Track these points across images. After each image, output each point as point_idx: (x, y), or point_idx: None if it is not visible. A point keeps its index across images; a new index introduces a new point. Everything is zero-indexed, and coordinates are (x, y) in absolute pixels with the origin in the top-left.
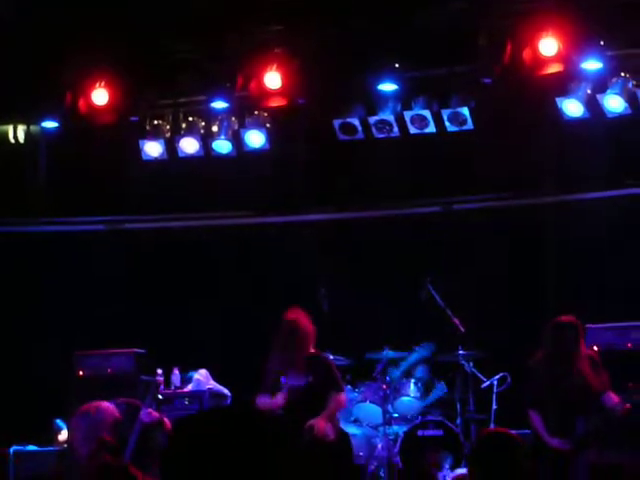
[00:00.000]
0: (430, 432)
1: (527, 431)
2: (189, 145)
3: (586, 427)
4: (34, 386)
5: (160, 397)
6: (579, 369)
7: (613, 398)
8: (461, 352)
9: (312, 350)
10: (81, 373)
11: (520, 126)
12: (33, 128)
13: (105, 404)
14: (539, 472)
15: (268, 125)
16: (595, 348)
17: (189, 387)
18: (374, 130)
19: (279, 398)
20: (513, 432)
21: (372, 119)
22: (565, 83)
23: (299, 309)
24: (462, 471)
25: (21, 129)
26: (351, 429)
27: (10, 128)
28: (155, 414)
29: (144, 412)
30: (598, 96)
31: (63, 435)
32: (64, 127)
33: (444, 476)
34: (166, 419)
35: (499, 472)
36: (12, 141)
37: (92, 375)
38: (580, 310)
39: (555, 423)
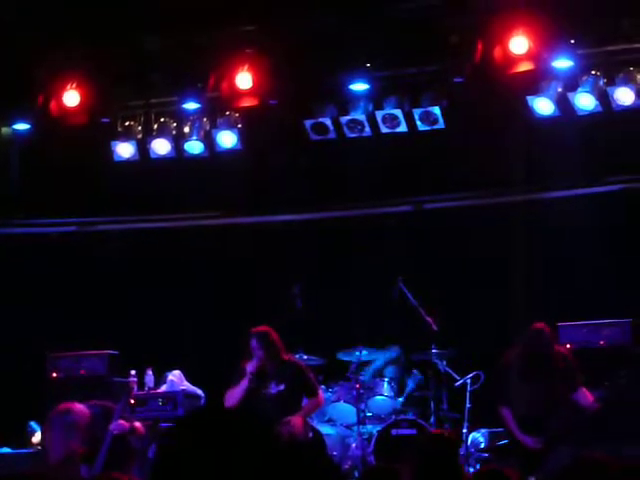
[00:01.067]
0: (404, 431)
1: (501, 429)
2: (161, 146)
3: (559, 425)
4: (7, 388)
5: (132, 402)
6: (552, 367)
7: (586, 395)
8: (434, 351)
9: (285, 357)
10: (54, 375)
11: (491, 125)
12: (5, 130)
13: (78, 406)
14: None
15: (240, 125)
16: (568, 346)
17: (163, 388)
18: (346, 130)
19: (243, 382)
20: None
21: (344, 119)
22: (536, 81)
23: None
24: None
25: None
26: (325, 429)
27: None
28: (125, 424)
29: (114, 424)
30: (569, 94)
31: (37, 437)
32: (36, 129)
33: None
34: (137, 423)
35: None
36: None
37: (65, 377)
38: (552, 307)
39: (527, 420)
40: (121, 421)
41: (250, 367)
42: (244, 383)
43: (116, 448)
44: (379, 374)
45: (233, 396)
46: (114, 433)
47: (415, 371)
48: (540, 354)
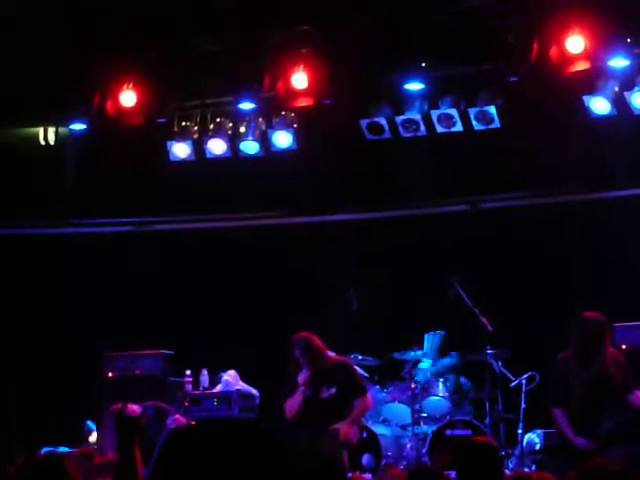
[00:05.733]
0: (458, 432)
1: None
2: (217, 146)
3: (612, 426)
4: (65, 388)
5: (186, 404)
6: (604, 368)
7: None
8: (489, 351)
9: (331, 359)
10: (110, 374)
11: (547, 124)
12: (62, 130)
13: (131, 406)
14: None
15: (295, 125)
16: (623, 347)
17: (218, 388)
18: (401, 129)
19: (297, 394)
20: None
21: (399, 118)
22: (592, 81)
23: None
24: None
25: (51, 131)
26: (380, 429)
27: (41, 130)
28: (182, 420)
29: (171, 418)
30: (625, 94)
31: (93, 436)
32: (92, 129)
33: None
34: (193, 422)
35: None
36: (42, 143)
37: (121, 376)
38: (608, 309)
39: (580, 422)
40: (178, 416)
41: (301, 378)
42: (298, 395)
43: None
44: (438, 375)
45: (292, 408)
46: (171, 428)
47: (463, 379)
48: (591, 352)
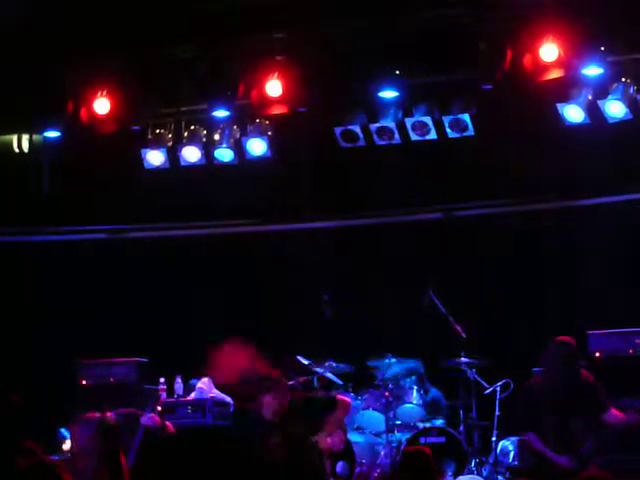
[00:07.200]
0: (433, 439)
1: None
2: (191, 154)
3: (592, 446)
4: (38, 395)
5: (159, 409)
6: (578, 390)
7: (616, 415)
8: (464, 359)
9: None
10: (84, 382)
11: (521, 132)
12: (36, 138)
13: (105, 414)
14: None
15: (270, 133)
16: (597, 354)
17: (192, 395)
18: (375, 137)
19: None
20: None
21: (373, 126)
22: (566, 89)
23: None
24: (466, 478)
25: (25, 139)
26: (354, 437)
27: (14, 138)
28: (156, 418)
29: (146, 416)
30: (599, 102)
31: (67, 444)
32: (66, 136)
33: None
34: (169, 423)
35: None
36: (16, 150)
37: (95, 384)
38: (581, 316)
39: (557, 443)
40: (152, 414)
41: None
42: None
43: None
44: (396, 382)
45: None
46: (146, 425)
47: (433, 388)
48: (566, 373)
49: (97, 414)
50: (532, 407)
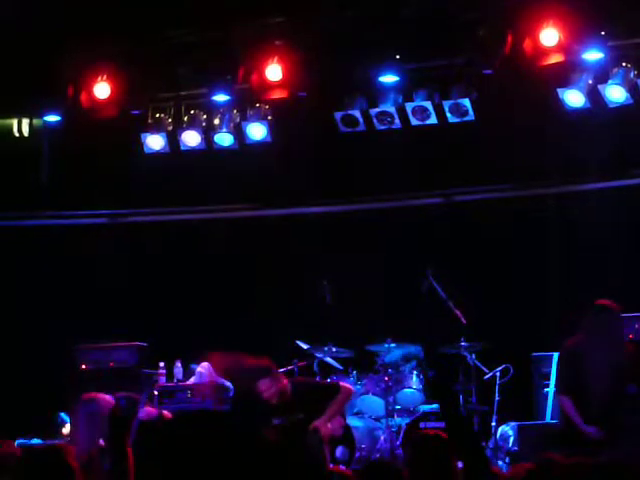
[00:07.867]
0: (432, 424)
1: (529, 422)
2: (191, 138)
3: (622, 417)
4: (38, 380)
5: (155, 393)
6: (621, 357)
7: None
8: (463, 344)
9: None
10: (84, 367)
11: (521, 117)
12: (36, 122)
13: (102, 396)
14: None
15: (269, 117)
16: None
17: (191, 380)
18: (375, 122)
19: None
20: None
21: (373, 111)
22: (566, 74)
23: None
24: None
25: (25, 123)
26: (354, 421)
27: (14, 122)
28: (153, 411)
29: (142, 410)
30: (599, 86)
31: (67, 428)
32: (67, 121)
33: None
34: (165, 412)
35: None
36: (16, 135)
37: (95, 368)
38: (584, 301)
39: (594, 409)
40: (148, 407)
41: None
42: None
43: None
44: (395, 367)
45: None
46: (141, 419)
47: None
48: (606, 339)
49: (91, 395)
50: (569, 369)
